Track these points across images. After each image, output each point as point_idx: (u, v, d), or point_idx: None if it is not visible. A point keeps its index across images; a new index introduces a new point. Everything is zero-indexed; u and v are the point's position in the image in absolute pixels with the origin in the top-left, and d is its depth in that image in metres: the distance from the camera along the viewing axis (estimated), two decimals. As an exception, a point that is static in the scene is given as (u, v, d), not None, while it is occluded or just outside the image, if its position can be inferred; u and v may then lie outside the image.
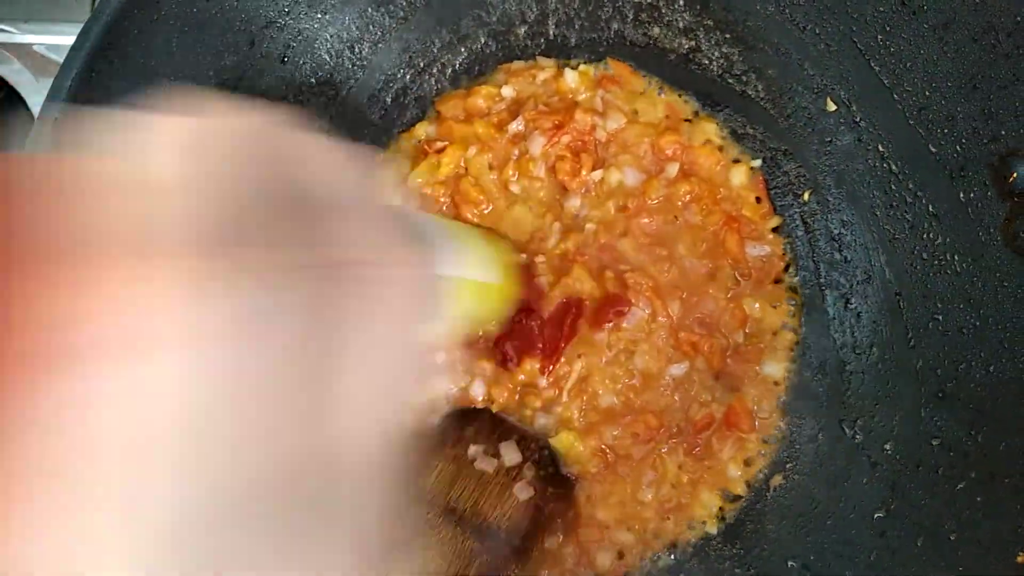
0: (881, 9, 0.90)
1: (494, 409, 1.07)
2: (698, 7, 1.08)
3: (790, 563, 0.94)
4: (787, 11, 1.00)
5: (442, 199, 1.14)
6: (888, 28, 0.90)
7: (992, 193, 0.83)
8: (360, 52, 1.16)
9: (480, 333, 1.06)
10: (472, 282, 0.62)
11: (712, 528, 1.03)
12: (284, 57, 1.11)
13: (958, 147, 0.86)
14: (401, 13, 1.15)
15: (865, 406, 0.96)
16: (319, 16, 1.11)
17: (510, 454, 1.02)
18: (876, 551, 0.85)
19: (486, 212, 1.13)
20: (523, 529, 0.97)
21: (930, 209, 0.91)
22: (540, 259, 1.09)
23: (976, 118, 0.84)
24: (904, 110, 0.92)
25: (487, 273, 0.64)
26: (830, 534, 0.91)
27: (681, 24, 1.10)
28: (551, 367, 1.05)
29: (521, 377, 1.06)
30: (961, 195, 0.86)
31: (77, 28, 0.89)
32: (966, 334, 0.85)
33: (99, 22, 0.89)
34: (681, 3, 1.09)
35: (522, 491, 0.99)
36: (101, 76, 0.89)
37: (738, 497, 1.03)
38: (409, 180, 1.15)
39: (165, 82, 1.00)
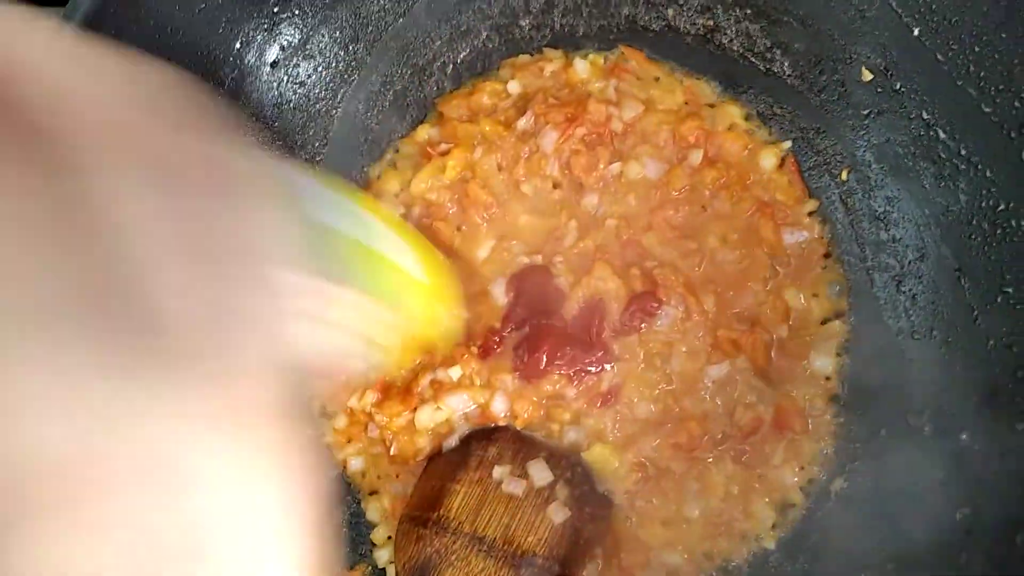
0: (918, -38, 0.84)
1: (518, 426, 0.98)
2: (715, -17, 1.01)
3: (864, 575, 0.84)
4: (812, -23, 0.94)
5: (448, 204, 1.06)
6: (927, -17, 0.84)
7: (1062, 147, 0.76)
8: (355, 52, 1.09)
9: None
10: (396, 269, 0.58)
11: (769, 543, 0.93)
12: (275, 61, 1.05)
13: (1017, 103, 0.79)
14: (398, 9, 1.09)
15: (932, 395, 0.87)
16: (310, 16, 1.04)
17: (539, 473, 0.92)
18: (965, 552, 0.76)
19: (494, 215, 1.05)
20: (562, 555, 0.87)
21: (987, 174, 0.83)
22: (558, 259, 1.00)
23: (1038, 67, 0.77)
24: (950, 71, 0.85)
25: (412, 266, 0.59)
26: (907, 539, 0.81)
27: (697, 2, 1.03)
28: (580, 376, 0.96)
29: (547, 388, 0.97)
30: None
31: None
32: (1044, 304, 0.77)
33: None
34: (696, -19, 1.03)
35: (557, 513, 0.89)
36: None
37: (795, 506, 0.94)
38: (412, 186, 1.07)
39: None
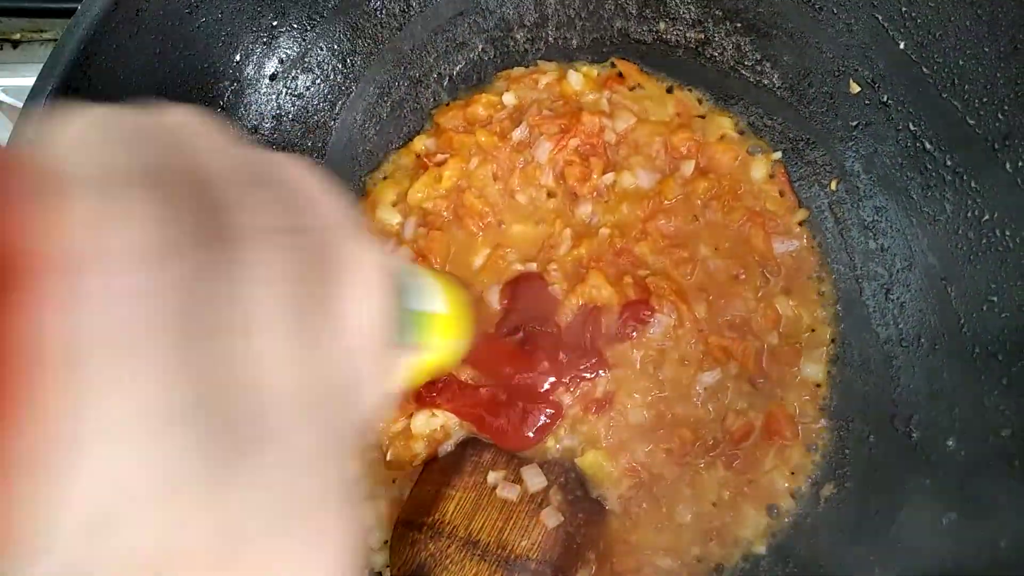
0: (903, -22, 0.86)
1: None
2: (705, -3, 1.03)
3: (852, 580, 0.85)
4: (800, -7, 0.95)
5: (444, 213, 1.08)
6: (912, -2, 0.86)
7: (1043, 159, 0.77)
8: (353, 65, 1.11)
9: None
10: (428, 314, 0.62)
11: (760, 547, 0.94)
12: (274, 74, 1.06)
13: (1000, 115, 0.81)
14: (395, 23, 1.10)
15: (919, 402, 0.88)
16: (309, 30, 1.06)
17: (534, 479, 0.94)
18: (952, 558, 0.77)
19: (490, 224, 1.06)
20: (554, 559, 0.88)
21: (972, 185, 0.85)
22: (553, 267, 1.02)
23: (1019, 81, 0.78)
24: (935, 84, 0.87)
25: (440, 304, 0.64)
26: (895, 544, 0.83)
27: (688, 16, 1.05)
28: (575, 383, 0.97)
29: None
30: (1008, 166, 0.80)
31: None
32: (1028, 313, 0.79)
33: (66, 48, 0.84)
34: (687, -5, 1.05)
35: (550, 518, 0.90)
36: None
37: (786, 511, 0.95)
38: (409, 195, 1.09)
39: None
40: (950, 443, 0.83)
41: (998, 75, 0.80)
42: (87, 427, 0.26)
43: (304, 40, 1.07)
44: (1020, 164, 0.79)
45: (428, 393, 0.97)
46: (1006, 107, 0.80)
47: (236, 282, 0.31)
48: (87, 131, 0.33)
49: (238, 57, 1.03)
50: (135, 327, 0.28)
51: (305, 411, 0.33)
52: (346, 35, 1.09)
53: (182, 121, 0.37)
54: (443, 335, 0.65)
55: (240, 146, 0.37)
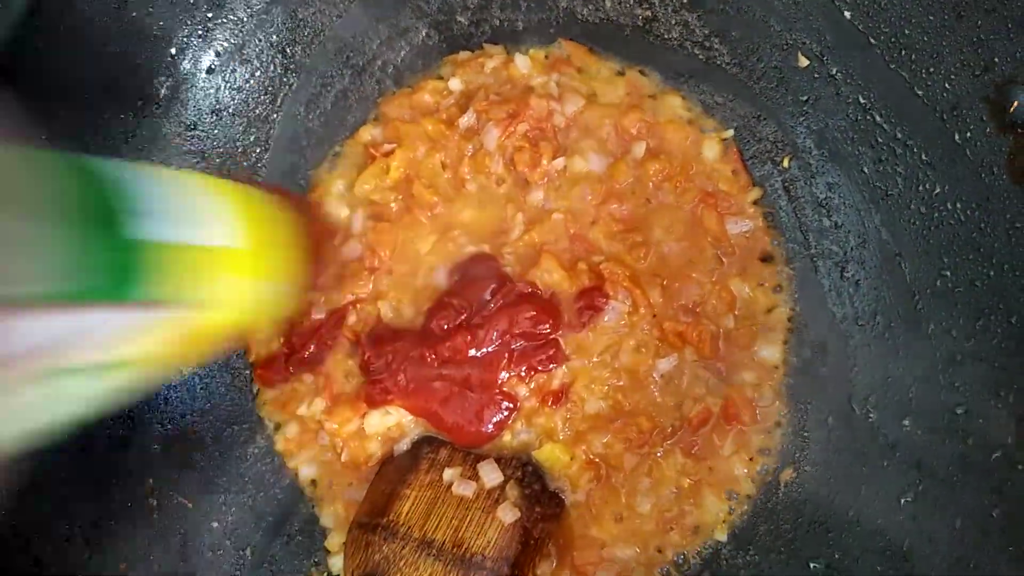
0: (847, -52, 0.83)
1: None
2: (650, -27, 1.01)
3: (812, 565, 0.84)
4: (745, -34, 0.93)
5: (393, 204, 1.05)
6: (856, -33, 0.83)
7: (991, 129, 0.75)
8: (293, 55, 1.07)
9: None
10: (186, 247, 0.45)
11: (721, 535, 0.93)
12: (211, 67, 1.03)
13: (947, 85, 0.79)
14: (334, 10, 1.07)
15: (876, 381, 0.87)
16: (244, 20, 1.03)
17: (490, 474, 0.92)
18: (909, 539, 0.76)
19: (440, 213, 1.04)
20: (512, 556, 0.86)
21: (923, 157, 0.83)
22: (507, 251, 0.99)
23: (964, 50, 0.76)
24: (883, 54, 0.84)
25: (213, 233, 0.46)
26: (854, 527, 0.82)
27: (634, -7, 1.02)
28: (530, 374, 0.95)
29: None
30: (956, 136, 0.79)
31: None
32: (980, 287, 0.77)
33: None
34: (631, -29, 1.02)
35: (507, 513, 0.88)
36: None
37: (746, 497, 0.93)
38: (356, 188, 1.05)
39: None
40: (907, 423, 0.81)
41: (943, 44, 0.78)
42: None
43: (241, 31, 1.04)
44: (968, 135, 0.77)
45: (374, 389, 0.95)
46: (952, 76, 0.78)
47: None
48: None
49: (173, 51, 1.00)
50: None
51: None
52: (285, 25, 1.06)
53: None
54: (232, 276, 0.48)
55: None
